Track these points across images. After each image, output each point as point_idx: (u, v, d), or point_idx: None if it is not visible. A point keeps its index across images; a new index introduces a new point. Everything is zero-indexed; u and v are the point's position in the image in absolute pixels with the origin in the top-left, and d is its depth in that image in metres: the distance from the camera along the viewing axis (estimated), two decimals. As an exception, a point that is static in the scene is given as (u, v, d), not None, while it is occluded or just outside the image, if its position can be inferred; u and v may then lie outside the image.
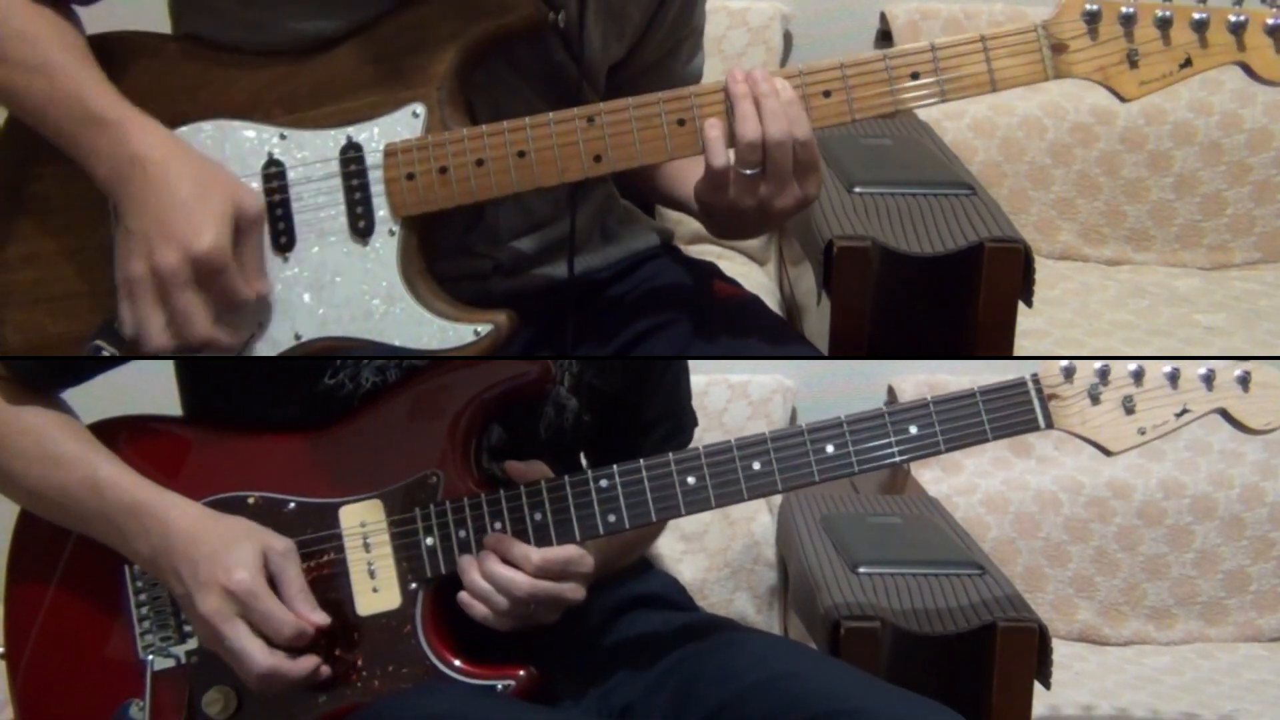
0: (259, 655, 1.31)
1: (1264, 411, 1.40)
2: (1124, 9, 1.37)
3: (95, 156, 1.34)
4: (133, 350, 1.39)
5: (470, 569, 1.33)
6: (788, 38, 2.59)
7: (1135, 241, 2.59)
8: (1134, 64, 1.38)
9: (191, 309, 1.32)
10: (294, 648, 1.32)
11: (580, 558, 1.34)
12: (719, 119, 1.37)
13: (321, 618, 1.33)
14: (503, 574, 1.32)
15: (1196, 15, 1.37)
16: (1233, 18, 1.37)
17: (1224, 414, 1.41)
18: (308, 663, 1.32)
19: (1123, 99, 1.40)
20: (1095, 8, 1.37)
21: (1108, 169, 2.55)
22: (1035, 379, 1.39)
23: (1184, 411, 1.40)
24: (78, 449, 1.38)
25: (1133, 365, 1.39)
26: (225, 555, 1.31)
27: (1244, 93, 2.56)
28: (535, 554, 1.32)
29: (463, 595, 1.34)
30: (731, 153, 1.37)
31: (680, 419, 1.59)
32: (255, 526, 1.35)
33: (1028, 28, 1.38)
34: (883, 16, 2.60)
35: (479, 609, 1.33)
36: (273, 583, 1.32)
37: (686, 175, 1.51)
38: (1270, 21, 1.37)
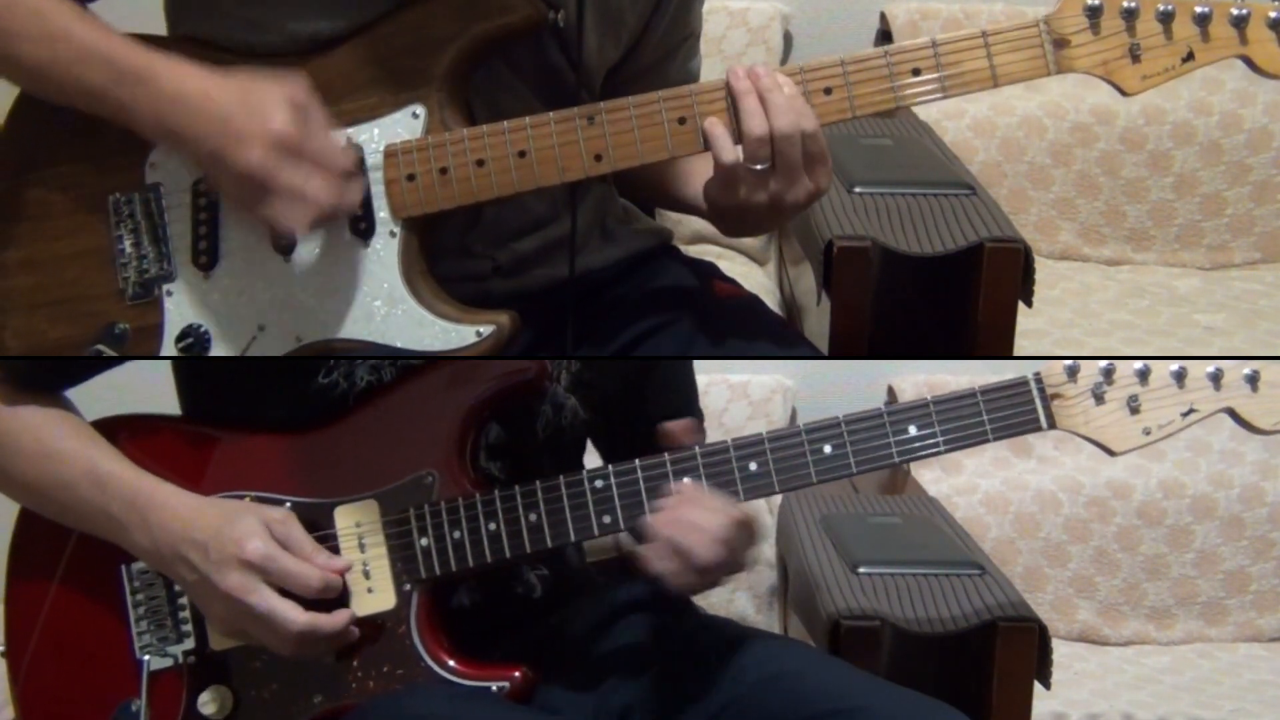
0: (293, 614, 1.30)
1: (1273, 411, 1.38)
2: (1126, 3, 1.36)
3: (133, 110, 1.33)
4: (138, 352, 1.39)
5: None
6: (788, 38, 2.59)
7: (1135, 241, 2.58)
8: (1136, 58, 1.37)
9: (300, 181, 1.31)
10: (325, 600, 1.32)
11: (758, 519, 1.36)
12: (719, 116, 1.37)
13: (343, 563, 1.34)
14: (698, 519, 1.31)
15: (1199, 9, 1.36)
16: (1235, 11, 1.36)
17: (1231, 413, 1.38)
18: (342, 616, 1.32)
19: (1125, 93, 1.39)
20: (1097, 2, 1.36)
21: (1108, 169, 2.55)
22: (1038, 378, 1.38)
23: (1190, 411, 1.37)
24: (77, 444, 1.38)
25: (1138, 364, 1.37)
26: (231, 530, 1.31)
27: (1244, 93, 2.55)
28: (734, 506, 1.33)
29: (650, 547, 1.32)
30: (739, 150, 1.36)
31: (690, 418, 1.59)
32: (249, 503, 1.35)
33: (1029, 23, 1.38)
34: (883, 16, 2.60)
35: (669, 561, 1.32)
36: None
37: (693, 176, 1.50)
38: (1273, 15, 1.36)
